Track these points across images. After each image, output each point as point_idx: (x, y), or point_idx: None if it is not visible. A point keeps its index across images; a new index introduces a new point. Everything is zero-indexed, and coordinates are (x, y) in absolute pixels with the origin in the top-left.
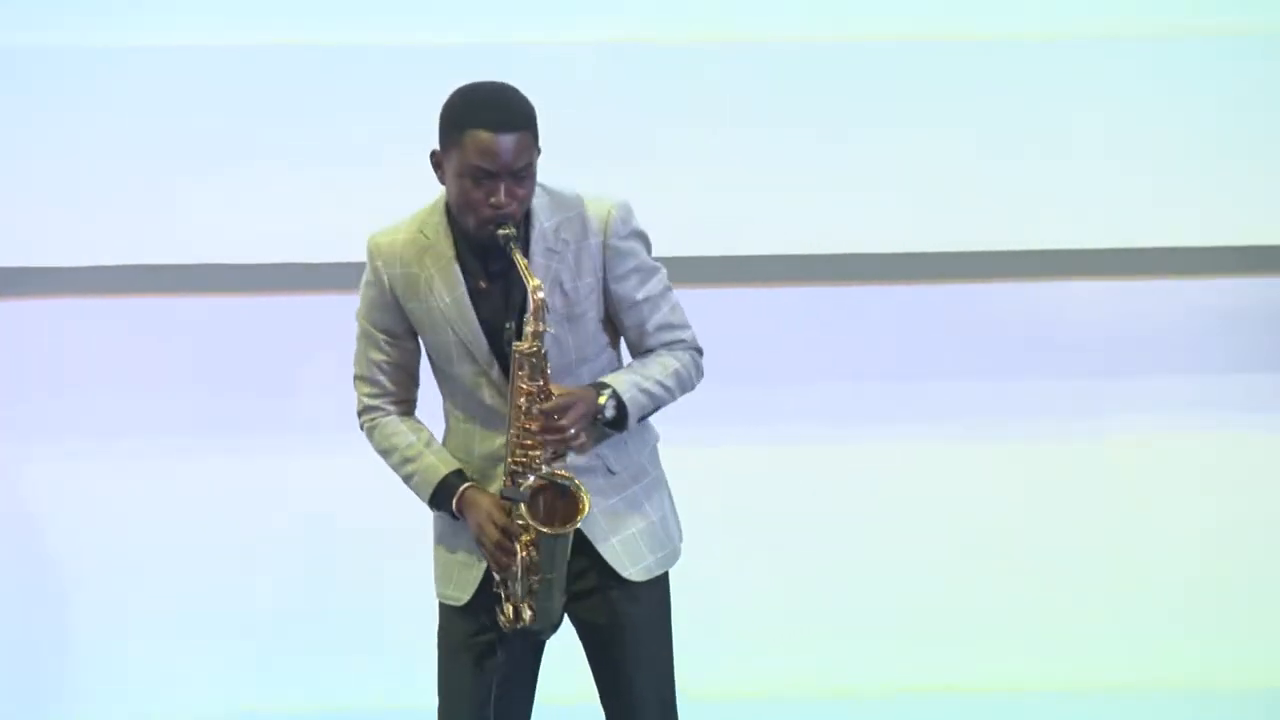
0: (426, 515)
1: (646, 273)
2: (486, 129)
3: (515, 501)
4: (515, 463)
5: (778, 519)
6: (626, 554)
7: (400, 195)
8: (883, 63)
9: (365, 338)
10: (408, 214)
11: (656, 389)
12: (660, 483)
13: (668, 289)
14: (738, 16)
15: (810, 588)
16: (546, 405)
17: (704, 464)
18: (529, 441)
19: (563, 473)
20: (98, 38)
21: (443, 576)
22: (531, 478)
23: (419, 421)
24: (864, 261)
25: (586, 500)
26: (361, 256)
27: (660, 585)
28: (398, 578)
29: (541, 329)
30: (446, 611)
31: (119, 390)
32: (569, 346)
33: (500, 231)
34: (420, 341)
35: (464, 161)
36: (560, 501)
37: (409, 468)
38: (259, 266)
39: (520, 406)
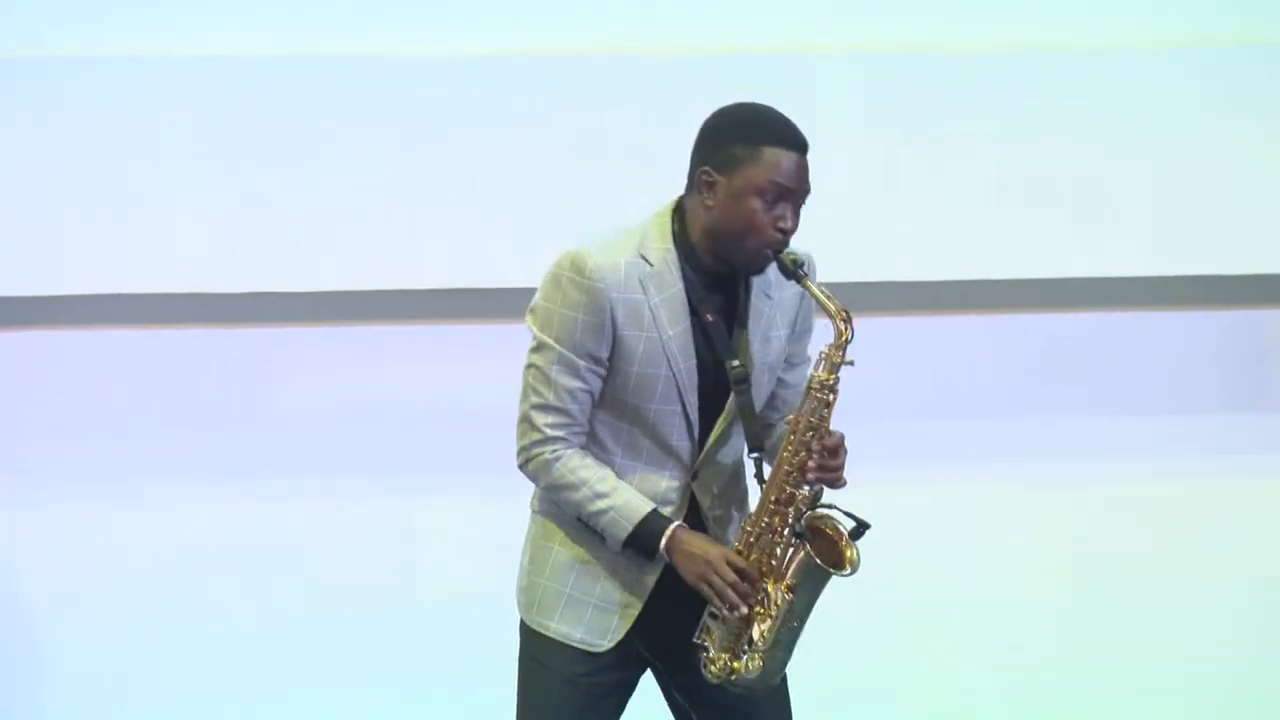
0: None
1: (812, 331)
2: (791, 148)
3: (800, 537)
4: (777, 503)
5: None
6: None
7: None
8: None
9: (560, 363)
10: (614, 231)
11: None
12: None
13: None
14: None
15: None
16: (827, 442)
17: None
18: (793, 479)
19: (832, 516)
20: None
21: (565, 615)
22: (805, 515)
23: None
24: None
25: (855, 555)
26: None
27: (785, 690)
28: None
29: (845, 360)
30: (560, 648)
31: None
32: (761, 398)
33: (785, 256)
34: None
35: (761, 179)
36: (823, 547)
37: (602, 503)
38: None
39: (802, 440)
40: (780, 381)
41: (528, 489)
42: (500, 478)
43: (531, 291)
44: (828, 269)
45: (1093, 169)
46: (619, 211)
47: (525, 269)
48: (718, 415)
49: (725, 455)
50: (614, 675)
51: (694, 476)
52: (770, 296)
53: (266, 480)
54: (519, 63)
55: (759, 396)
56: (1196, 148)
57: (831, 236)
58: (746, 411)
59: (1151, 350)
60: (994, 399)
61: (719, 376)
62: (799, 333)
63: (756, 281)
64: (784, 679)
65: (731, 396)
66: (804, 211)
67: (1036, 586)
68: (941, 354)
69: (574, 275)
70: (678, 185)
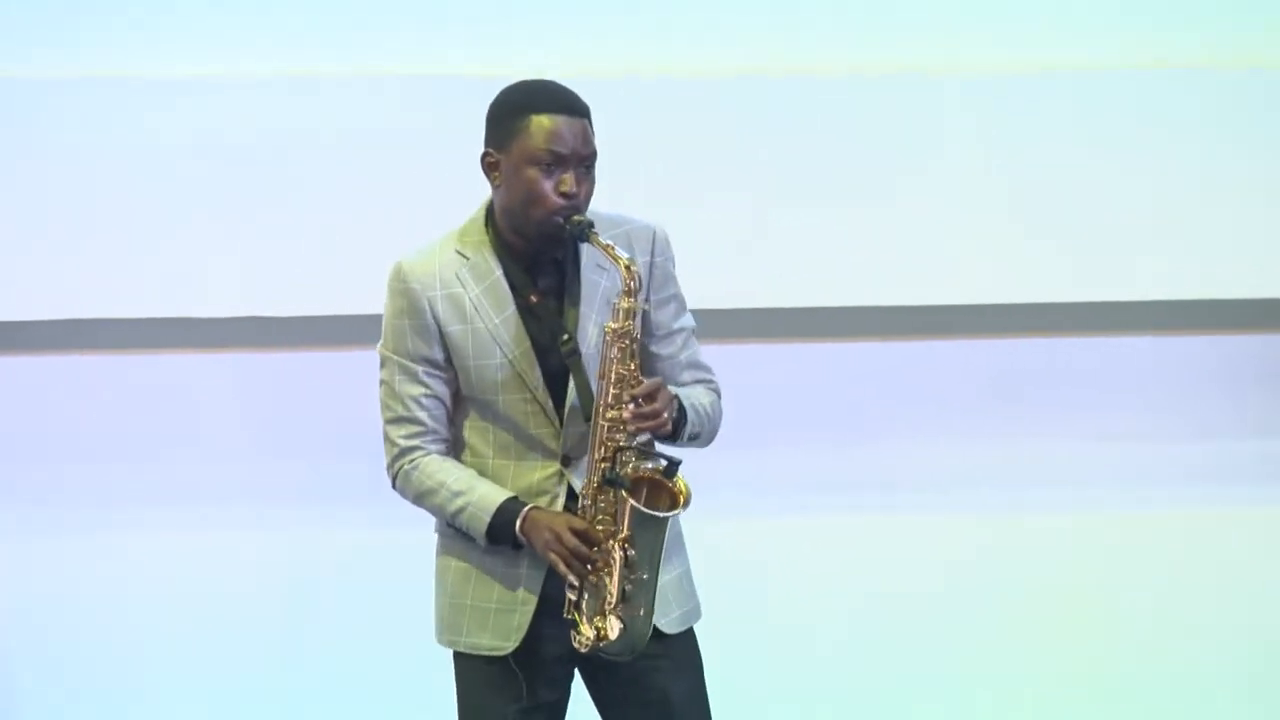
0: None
1: (681, 303)
2: (560, 112)
3: (618, 486)
4: (602, 460)
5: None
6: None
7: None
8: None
9: (401, 373)
10: (430, 239)
11: (701, 412)
12: (681, 536)
13: (694, 330)
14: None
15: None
16: (638, 390)
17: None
18: (617, 433)
19: (656, 466)
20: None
21: (471, 626)
22: (629, 468)
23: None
24: (850, 316)
25: (686, 489)
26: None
27: (691, 642)
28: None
29: (636, 306)
30: (474, 665)
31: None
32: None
33: (575, 219)
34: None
35: (531, 148)
36: (656, 495)
37: (459, 501)
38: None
39: (612, 394)
40: (653, 355)
41: None
42: None
43: None
44: (820, 292)
45: (1092, 191)
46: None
47: None
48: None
49: (585, 436)
50: (539, 693)
51: (565, 462)
52: (604, 267)
53: (256, 509)
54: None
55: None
56: (1198, 170)
57: (821, 259)
58: (581, 384)
59: (1151, 376)
60: (992, 424)
61: (560, 358)
62: (657, 301)
63: (585, 255)
64: (700, 680)
65: (606, 337)
66: (782, 223)
67: (1032, 618)
68: (937, 379)
69: (394, 283)
70: (678, 203)
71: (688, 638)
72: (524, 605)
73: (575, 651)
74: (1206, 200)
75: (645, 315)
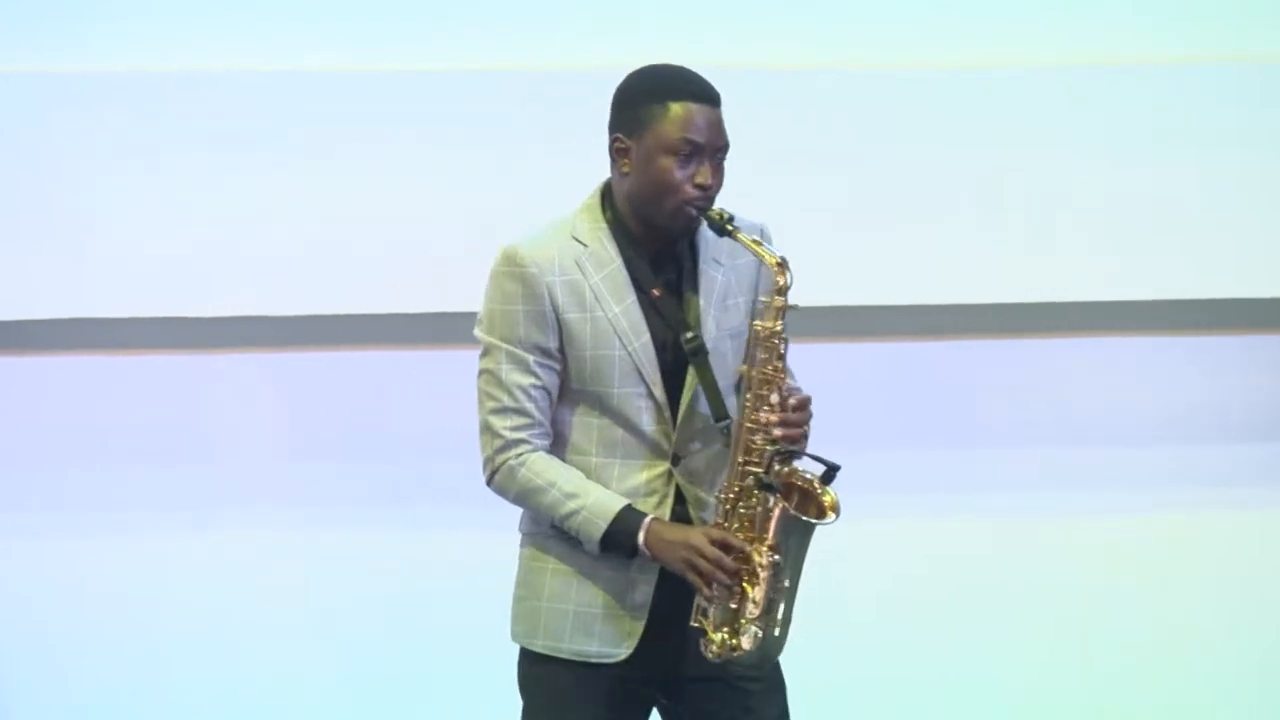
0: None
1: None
2: (699, 101)
3: (773, 491)
4: (747, 463)
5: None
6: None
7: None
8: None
9: (510, 361)
10: (544, 222)
11: None
12: None
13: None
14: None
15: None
16: (795, 401)
17: None
18: (760, 435)
19: (797, 468)
20: None
21: (575, 633)
22: (778, 470)
23: None
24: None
25: (834, 496)
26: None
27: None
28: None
29: (788, 305)
30: (574, 669)
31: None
32: (729, 369)
33: (712, 211)
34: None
35: (668, 136)
36: (803, 501)
37: (573, 503)
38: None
39: (759, 395)
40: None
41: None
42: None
43: None
44: (824, 291)
45: (1088, 190)
46: None
47: None
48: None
49: (703, 436)
50: (635, 692)
51: (675, 462)
52: (720, 263)
53: (259, 512)
54: (529, 78)
55: (723, 367)
56: (1197, 166)
57: (820, 258)
58: (708, 383)
59: (1154, 377)
60: (997, 427)
61: (678, 354)
62: (790, 286)
63: (702, 249)
64: (786, 703)
65: (691, 370)
66: (801, 225)
67: (1030, 620)
68: (934, 379)
69: (506, 267)
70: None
71: (777, 671)
72: (636, 612)
73: (663, 682)
74: (1206, 199)
75: (752, 308)
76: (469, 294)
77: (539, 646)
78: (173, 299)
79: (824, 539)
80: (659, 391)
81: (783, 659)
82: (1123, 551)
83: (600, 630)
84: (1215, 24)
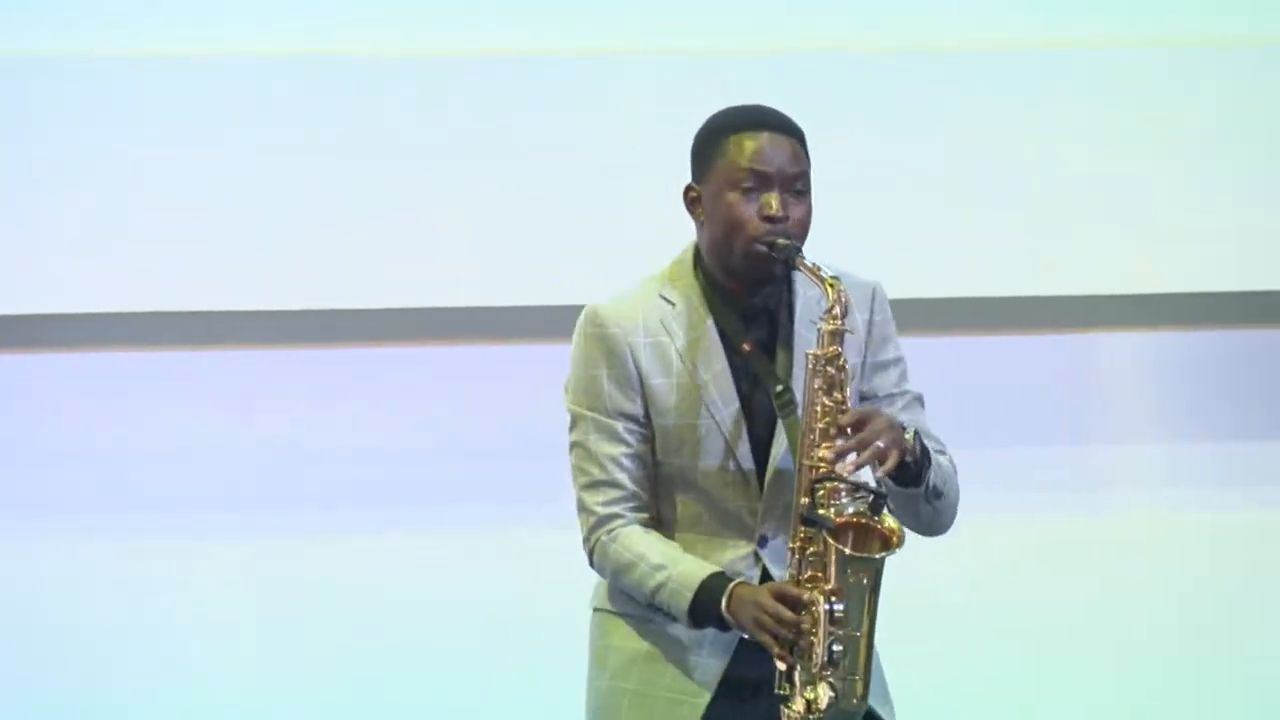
0: None
1: (904, 368)
2: (759, 129)
3: (819, 526)
4: (810, 505)
5: None
6: (879, 688)
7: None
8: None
9: (597, 431)
10: (629, 285)
11: (945, 467)
12: None
13: (923, 400)
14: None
15: None
16: (845, 418)
17: None
18: (822, 471)
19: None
20: None
21: (631, 713)
22: (833, 509)
23: None
24: None
25: (898, 528)
26: None
27: None
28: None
29: (844, 329)
30: None
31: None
32: None
33: (780, 243)
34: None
35: (730, 170)
36: (864, 539)
37: (659, 576)
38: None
39: (816, 429)
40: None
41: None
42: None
43: (547, 309)
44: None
45: (1084, 181)
46: (640, 219)
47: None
48: None
49: (791, 514)
50: None
51: (761, 542)
52: (816, 323)
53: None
54: (530, 63)
55: None
56: (1197, 154)
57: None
58: (793, 441)
59: (1152, 372)
60: (985, 424)
61: (770, 419)
62: (875, 364)
63: (799, 308)
64: None
65: (779, 428)
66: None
67: (1028, 622)
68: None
69: (590, 329)
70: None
71: None
72: (696, 698)
73: None
74: (1204, 190)
75: (861, 375)
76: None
77: None
78: (173, 296)
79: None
80: (747, 462)
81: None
82: (1121, 552)
83: (660, 714)
84: (1207, 10)
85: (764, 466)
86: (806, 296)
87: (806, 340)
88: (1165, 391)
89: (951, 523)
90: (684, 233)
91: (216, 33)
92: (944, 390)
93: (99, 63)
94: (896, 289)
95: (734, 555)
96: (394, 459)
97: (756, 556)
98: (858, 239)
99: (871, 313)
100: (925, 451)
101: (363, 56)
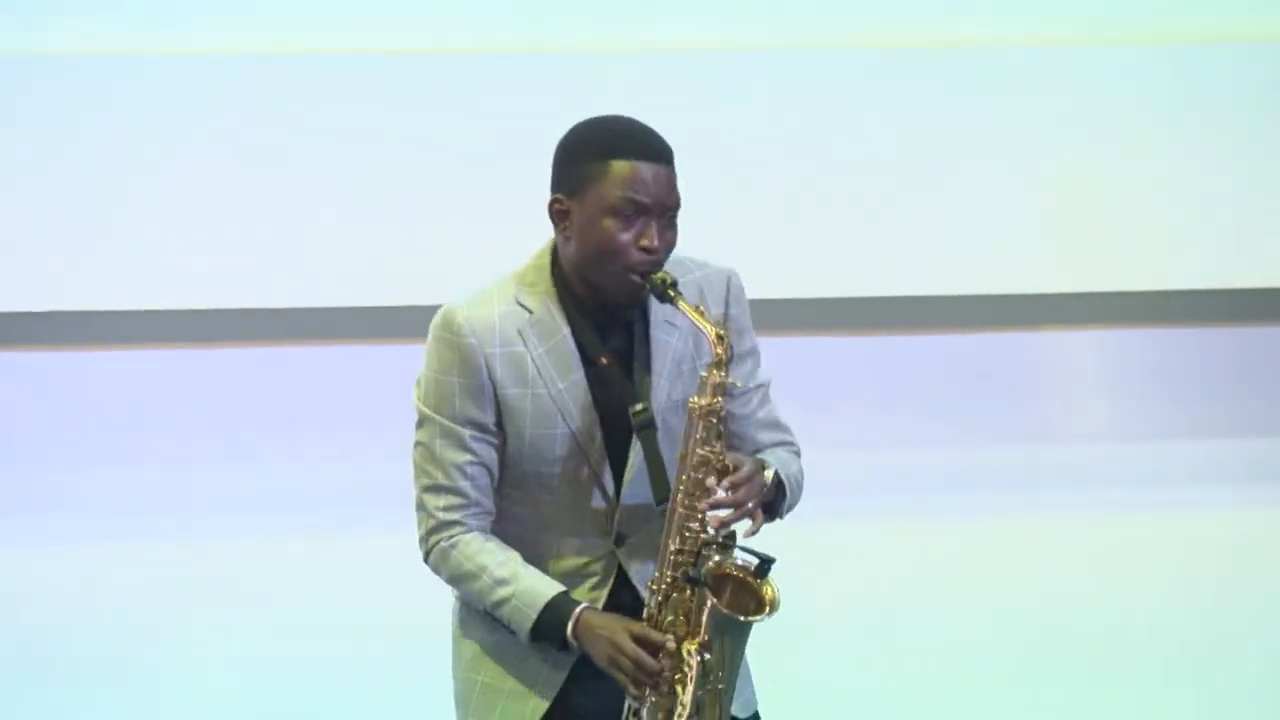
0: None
1: (758, 357)
2: (644, 159)
3: (701, 585)
4: (679, 551)
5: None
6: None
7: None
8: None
9: (444, 436)
10: (492, 279)
11: (794, 483)
12: None
13: (769, 384)
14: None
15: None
16: (735, 477)
17: None
18: (694, 522)
19: (731, 556)
20: None
21: (479, 708)
22: (711, 562)
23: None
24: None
25: (775, 592)
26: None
27: None
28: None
29: (727, 381)
30: None
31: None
32: (678, 438)
33: (655, 276)
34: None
35: (610, 197)
36: (740, 595)
37: (502, 591)
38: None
39: (693, 478)
40: (728, 414)
41: None
42: None
43: None
44: (797, 284)
45: (1084, 179)
46: None
47: None
48: None
49: (651, 514)
50: None
51: (619, 542)
52: (675, 325)
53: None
54: (532, 61)
55: (669, 440)
56: (1202, 150)
57: (796, 251)
58: (652, 460)
59: (1145, 370)
60: (979, 423)
61: (626, 427)
62: (739, 355)
63: (654, 312)
64: None
65: (635, 446)
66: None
67: (1025, 624)
68: (925, 377)
69: (444, 333)
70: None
71: None
72: (543, 691)
73: None
74: (1207, 187)
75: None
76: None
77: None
78: (172, 293)
79: (819, 541)
80: (604, 471)
81: (780, 660)
82: (1120, 552)
83: (503, 707)
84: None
85: (621, 471)
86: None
87: (663, 343)
88: (1164, 390)
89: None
90: None
91: (214, 31)
92: (945, 390)
93: (96, 60)
94: (895, 287)
95: (590, 556)
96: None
97: (613, 554)
98: (858, 239)
99: (727, 305)
100: (780, 487)
101: (373, 54)
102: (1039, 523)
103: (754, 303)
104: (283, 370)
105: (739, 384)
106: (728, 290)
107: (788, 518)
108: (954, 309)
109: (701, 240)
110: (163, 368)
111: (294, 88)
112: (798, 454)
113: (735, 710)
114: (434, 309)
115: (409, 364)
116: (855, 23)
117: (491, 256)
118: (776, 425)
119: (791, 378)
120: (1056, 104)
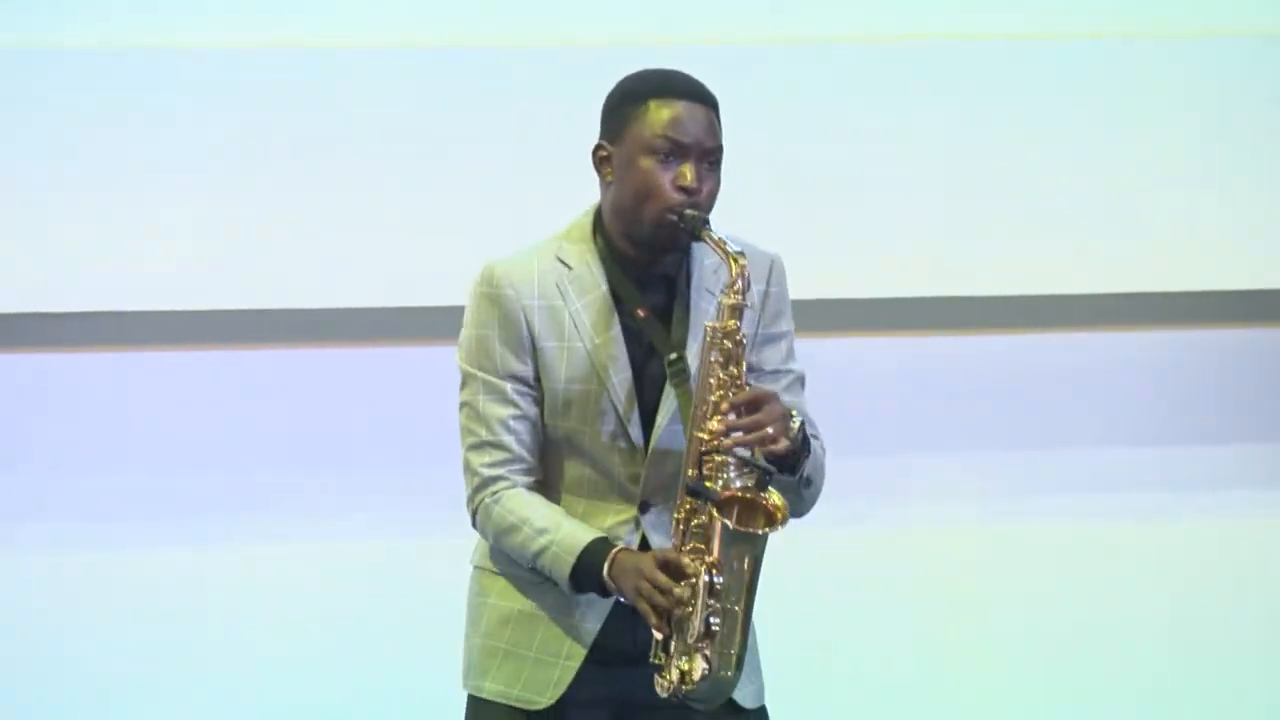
0: None
1: (792, 345)
2: (680, 98)
3: (703, 497)
4: (696, 477)
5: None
6: (752, 662)
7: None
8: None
9: (487, 392)
10: (527, 244)
11: (818, 455)
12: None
13: (804, 380)
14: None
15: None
16: (738, 398)
17: None
18: (714, 447)
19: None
20: None
21: (501, 672)
22: (720, 483)
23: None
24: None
25: (783, 504)
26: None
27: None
28: None
29: (744, 304)
30: (497, 712)
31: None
32: None
33: (690, 214)
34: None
35: (648, 135)
36: (749, 515)
37: (542, 540)
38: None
39: (709, 402)
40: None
41: None
42: None
43: None
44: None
45: (1080, 177)
46: None
47: None
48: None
49: (673, 481)
50: None
51: (643, 508)
52: (715, 294)
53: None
54: (538, 55)
55: None
56: (1197, 150)
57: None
58: (686, 409)
59: (1145, 373)
60: (975, 426)
61: (662, 387)
62: (766, 336)
63: (695, 276)
64: None
65: (667, 395)
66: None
67: (1024, 630)
68: (921, 377)
69: (484, 288)
70: None
71: (761, 717)
72: (568, 660)
73: (618, 711)
74: (1202, 186)
75: (752, 346)
76: None
77: (469, 686)
78: (169, 295)
79: (814, 540)
80: (635, 430)
81: (780, 660)
82: (1119, 555)
83: (528, 674)
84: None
85: (650, 434)
86: (704, 266)
87: (703, 309)
88: (1163, 391)
89: (812, 508)
90: None
91: (213, 28)
92: (944, 390)
93: (92, 55)
94: (895, 288)
95: (615, 520)
96: (394, 460)
97: (637, 523)
98: (857, 238)
99: (768, 284)
100: (805, 441)
101: (368, 50)
102: (1038, 523)
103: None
104: (284, 370)
105: (753, 306)
106: (770, 271)
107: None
108: (952, 310)
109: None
110: (159, 369)
111: (295, 87)
112: (824, 449)
113: (743, 700)
114: (437, 310)
115: (412, 365)
116: (855, 21)
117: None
118: (810, 421)
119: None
120: (1056, 103)
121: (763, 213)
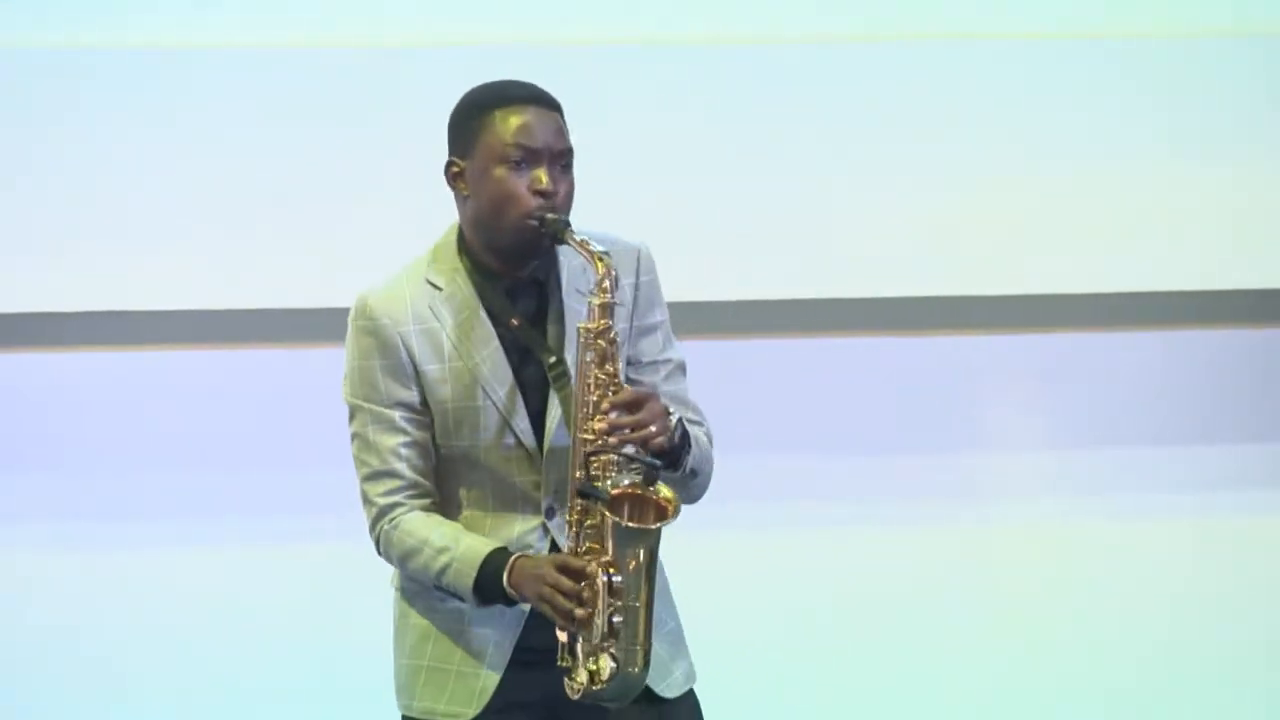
0: None
1: (668, 334)
2: (526, 104)
3: (593, 498)
4: (585, 479)
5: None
6: (675, 642)
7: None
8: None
9: (375, 422)
10: (395, 270)
11: (702, 447)
12: (668, 588)
13: (684, 367)
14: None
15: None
16: (618, 398)
17: None
18: (599, 447)
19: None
20: None
21: (427, 689)
22: (609, 482)
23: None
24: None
25: (674, 498)
26: None
27: (693, 706)
28: None
29: (614, 301)
30: None
31: None
32: None
33: (550, 218)
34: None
35: (499, 145)
36: (641, 510)
37: (443, 559)
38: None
39: (590, 402)
40: (636, 384)
41: None
42: None
43: None
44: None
45: (1080, 176)
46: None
47: None
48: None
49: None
50: None
51: (549, 514)
52: (584, 294)
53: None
54: (538, 55)
55: None
56: (1197, 149)
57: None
58: (568, 414)
59: (1145, 373)
60: (971, 426)
61: (545, 392)
62: (640, 328)
63: (564, 279)
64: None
65: (552, 399)
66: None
67: (1018, 631)
68: (917, 377)
69: (360, 321)
70: (687, 190)
71: (689, 702)
72: (490, 669)
73: (550, 712)
74: (1202, 186)
75: (628, 339)
76: None
77: (400, 706)
78: (174, 292)
79: (814, 540)
80: (527, 438)
81: (781, 662)
82: (1119, 556)
83: (453, 688)
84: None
85: (542, 439)
86: (571, 267)
87: (575, 311)
88: (1163, 391)
89: (702, 495)
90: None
91: (215, 30)
92: (944, 391)
93: (92, 55)
94: (895, 288)
95: (523, 529)
96: None
97: (545, 529)
98: (857, 238)
99: (637, 275)
100: (686, 436)
101: (368, 49)
102: (1038, 523)
103: (752, 304)
104: (284, 370)
105: (623, 304)
106: (638, 262)
107: (793, 524)
108: (951, 310)
109: (697, 241)
110: (160, 369)
111: (295, 87)
112: (709, 436)
113: (666, 691)
114: None
115: None
116: (854, 19)
117: None
118: (685, 403)
119: (788, 380)
120: (1057, 103)
121: (763, 213)
